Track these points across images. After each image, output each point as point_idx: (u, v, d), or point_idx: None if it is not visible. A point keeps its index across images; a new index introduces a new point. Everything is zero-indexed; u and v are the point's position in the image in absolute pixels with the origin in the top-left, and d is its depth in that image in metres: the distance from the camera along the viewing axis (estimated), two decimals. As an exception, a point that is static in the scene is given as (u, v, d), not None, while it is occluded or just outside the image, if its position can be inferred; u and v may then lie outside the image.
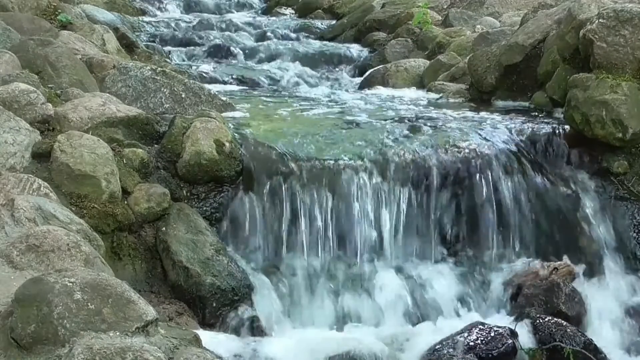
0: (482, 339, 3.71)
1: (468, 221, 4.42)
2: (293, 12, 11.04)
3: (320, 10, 10.63)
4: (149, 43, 8.06)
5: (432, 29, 7.97)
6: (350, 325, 4.00)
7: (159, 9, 10.39)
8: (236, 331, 3.84)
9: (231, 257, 4.03)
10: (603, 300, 4.22)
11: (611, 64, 4.62)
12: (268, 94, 6.52)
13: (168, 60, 7.50)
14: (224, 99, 5.26)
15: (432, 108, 5.53)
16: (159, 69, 5.29)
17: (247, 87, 7.11)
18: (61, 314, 2.56)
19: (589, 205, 4.50)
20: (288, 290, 4.07)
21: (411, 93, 6.28)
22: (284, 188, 4.23)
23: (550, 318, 3.91)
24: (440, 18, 8.60)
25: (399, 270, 4.25)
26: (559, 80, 5.14)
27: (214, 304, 3.84)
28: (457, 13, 8.45)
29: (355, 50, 8.44)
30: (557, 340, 3.78)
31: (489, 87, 5.78)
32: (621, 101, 4.48)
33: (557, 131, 4.78)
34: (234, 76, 7.37)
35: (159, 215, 4.05)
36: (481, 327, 3.78)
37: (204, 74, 7.23)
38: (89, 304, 2.61)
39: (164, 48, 8.09)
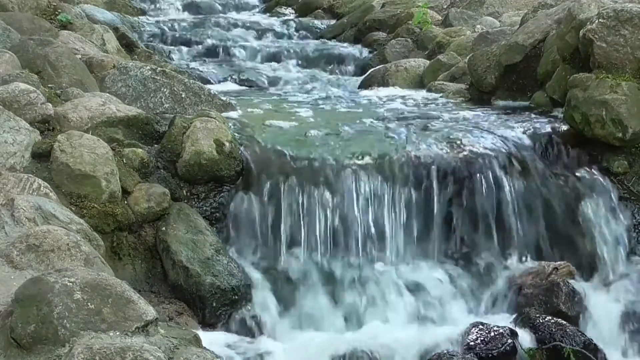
0: (482, 338, 3.71)
1: (468, 221, 4.41)
2: (293, 11, 11.02)
3: (320, 10, 10.61)
4: (149, 43, 8.06)
5: (432, 29, 7.96)
6: (350, 325, 3.99)
7: (159, 8, 10.37)
8: (236, 331, 3.84)
9: (231, 257, 4.03)
10: (603, 300, 4.22)
11: (611, 63, 4.62)
12: (268, 94, 6.52)
13: (168, 60, 7.50)
14: (223, 98, 5.26)
15: (432, 108, 5.53)
16: (159, 68, 5.29)
17: (247, 87, 7.11)
18: (61, 314, 2.56)
19: (588, 205, 4.50)
20: (288, 290, 4.07)
21: (411, 93, 6.27)
22: (283, 188, 4.23)
23: (550, 318, 3.91)
24: (440, 18, 8.59)
25: (399, 270, 4.25)
26: (559, 80, 5.14)
27: (214, 304, 3.84)
28: (457, 13, 8.44)
29: (355, 50, 8.43)
30: (557, 340, 3.78)
31: (489, 87, 5.78)
32: (621, 101, 4.48)
33: (557, 131, 4.78)
34: (233, 76, 7.37)
35: (158, 215, 4.05)
36: (481, 326, 3.79)
37: (203, 74, 7.23)
38: (89, 303, 2.61)
39: (164, 48, 8.09)
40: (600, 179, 4.58)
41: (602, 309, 4.16)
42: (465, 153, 4.51)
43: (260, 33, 9.17)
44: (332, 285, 4.13)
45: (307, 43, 8.86)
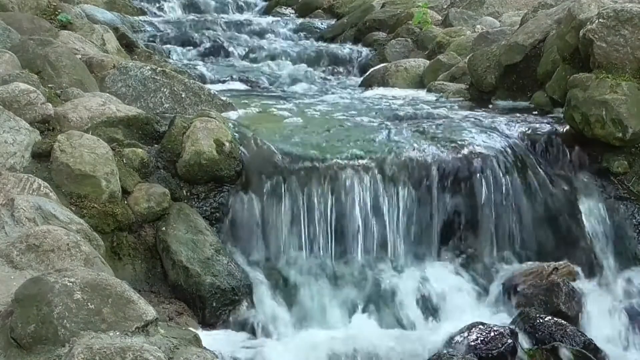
0: (482, 338, 3.71)
1: (468, 221, 4.42)
2: (293, 12, 11.04)
3: (320, 10, 10.63)
4: (149, 43, 8.06)
5: (432, 29, 7.97)
6: (350, 324, 3.99)
7: (159, 8, 10.38)
8: (236, 331, 3.84)
9: (231, 257, 4.03)
10: (603, 300, 4.22)
11: (611, 63, 4.62)
12: (268, 94, 6.52)
13: (168, 60, 7.50)
14: (223, 98, 5.26)
15: (432, 108, 5.53)
16: (159, 68, 5.29)
17: (247, 87, 7.11)
18: (61, 314, 2.56)
19: (588, 205, 4.50)
20: (288, 289, 4.07)
21: (411, 93, 6.28)
22: (283, 188, 4.24)
23: (550, 318, 3.91)
24: (440, 18, 8.60)
25: (399, 270, 4.25)
26: (559, 80, 5.14)
27: (214, 304, 3.84)
28: (457, 13, 8.45)
29: (355, 50, 8.44)
30: (557, 340, 3.78)
31: (489, 87, 5.78)
32: (621, 101, 4.48)
33: (557, 131, 4.78)
34: (233, 76, 7.38)
35: (158, 215, 4.05)
36: (481, 327, 3.78)
37: (203, 74, 7.24)
38: (89, 303, 2.61)
39: (164, 48, 8.09)
40: (600, 178, 4.59)
41: (602, 309, 4.16)
42: (465, 153, 4.51)
43: (260, 33, 9.18)
44: (333, 284, 4.13)
45: (307, 43, 8.87)
